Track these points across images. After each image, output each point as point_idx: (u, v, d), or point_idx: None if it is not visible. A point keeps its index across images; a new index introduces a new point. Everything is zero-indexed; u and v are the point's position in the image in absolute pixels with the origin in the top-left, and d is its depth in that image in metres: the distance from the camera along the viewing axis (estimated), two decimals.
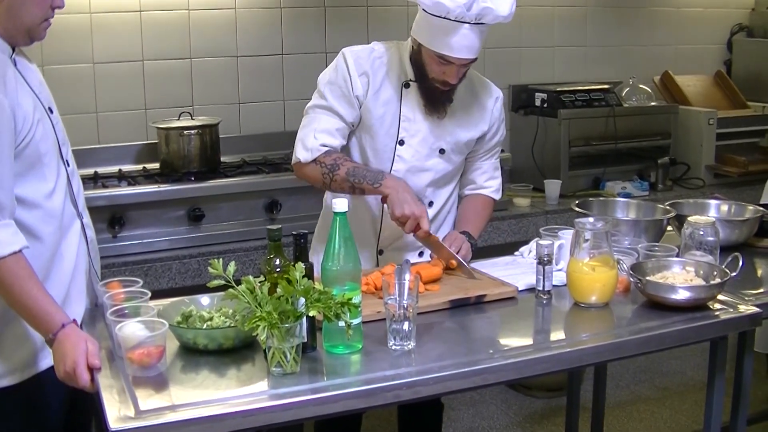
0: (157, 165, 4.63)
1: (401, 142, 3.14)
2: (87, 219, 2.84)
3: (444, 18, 2.86)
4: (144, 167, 4.67)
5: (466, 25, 2.86)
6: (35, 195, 2.55)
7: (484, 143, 3.30)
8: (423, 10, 2.92)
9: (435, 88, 3.05)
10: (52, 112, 2.69)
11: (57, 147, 2.66)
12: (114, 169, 4.61)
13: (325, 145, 3.07)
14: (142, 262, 4.10)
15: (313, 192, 3.98)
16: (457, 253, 3.03)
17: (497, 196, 3.42)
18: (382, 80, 3.11)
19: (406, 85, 3.12)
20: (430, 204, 3.25)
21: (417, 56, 3.04)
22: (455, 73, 2.98)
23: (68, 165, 2.74)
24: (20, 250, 2.41)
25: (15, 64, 2.58)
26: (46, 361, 2.59)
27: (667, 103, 6.11)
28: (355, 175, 3.01)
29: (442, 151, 3.18)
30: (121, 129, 4.75)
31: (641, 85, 6.06)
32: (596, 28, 6.17)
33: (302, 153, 3.09)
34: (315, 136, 3.08)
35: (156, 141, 4.62)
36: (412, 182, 3.16)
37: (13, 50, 2.59)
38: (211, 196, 4.35)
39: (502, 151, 3.46)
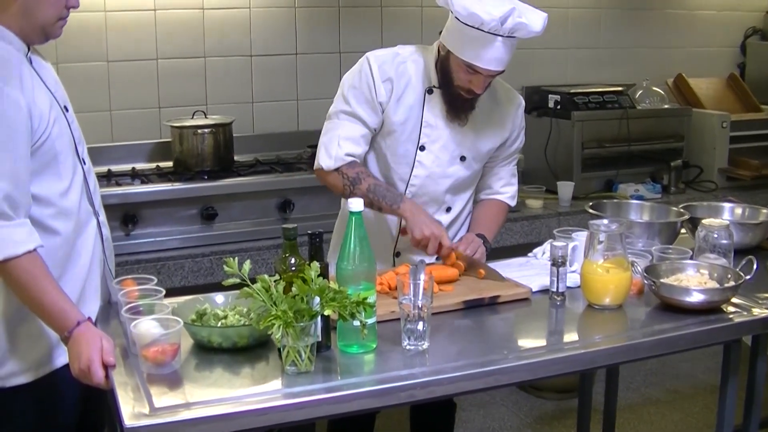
0: (170, 163, 4.64)
1: (422, 148, 3.14)
2: (103, 217, 2.84)
3: (477, 29, 2.85)
4: (157, 165, 4.68)
5: (499, 38, 2.86)
6: (51, 193, 2.56)
7: (503, 150, 3.30)
8: (456, 18, 2.91)
9: (459, 95, 3.05)
10: (67, 110, 2.69)
11: (73, 145, 2.67)
12: (127, 167, 4.63)
13: (349, 155, 3.07)
14: (155, 260, 4.11)
15: (326, 192, 3.98)
16: (473, 255, 3.04)
17: (512, 203, 3.42)
18: (406, 86, 3.10)
19: (430, 91, 3.11)
20: (448, 209, 3.25)
21: (444, 62, 3.04)
22: (482, 83, 2.98)
23: (84, 163, 2.74)
24: (35, 249, 2.42)
25: (31, 63, 2.59)
26: (61, 359, 2.60)
27: (680, 105, 6.10)
28: (375, 193, 3.03)
29: (462, 158, 3.18)
30: (135, 127, 4.77)
31: (654, 88, 6.05)
32: (610, 30, 6.17)
33: (325, 160, 3.09)
34: (339, 144, 3.07)
35: (170, 139, 4.63)
36: (432, 188, 3.17)
37: (29, 49, 2.60)
38: (224, 195, 4.35)
39: None
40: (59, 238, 2.59)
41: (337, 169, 3.08)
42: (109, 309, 2.77)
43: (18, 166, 2.42)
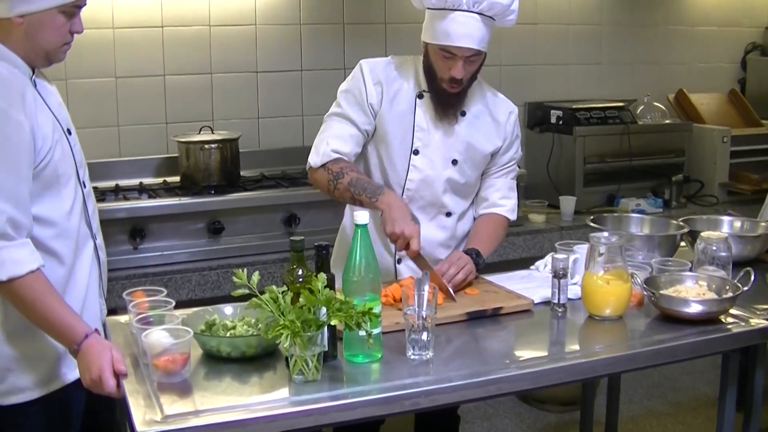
0: (177, 178, 4.70)
1: (416, 152, 3.20)
2: (100, 240, 2.86)
3: (443, 9, 2.97)
4: (164, 180, 4.74)
5: (464, 12, 2.95)
6: (52, 214, 2.58)
7: (497, 158, 3.33)
8: (428, 8, 3.04)
9: (444, 91, 3.11)
10: (70, 133, 2.72)
11: (74, 168, 2.69)
12: (135, 182, 4.68)
13: (336, 151, 3.13)
14: (162, 274, 4.16)
15: (331, 206, 4.03)
16: (456, 273, 3.02)
17: (512, 216, 3.40)
18: (397, 91, 3.19)
19: (420, 96, 3.19)
20: (448, 214, 3.29)
21: (426, 59, 3.13)
22: (460, 67, 3.03)
23: (84, 186, 2.76)
24: (38, 269, 2.44)
25: (35, 86, 2.61)
26: (72, 374, 2.63)
27: (681, 120, 6.15)
28: (356, 186, 3.04)
29: (454, 162, 3.23)
30: (143, 142, 4.83)
31: (656, 103, 6.09)
32: (611, 46, 6.22)
33: (313, 157, 3.16)
34: (327, 142, 3.14)
35: (177, 155, 4.69)
36: (428, 192, 3.22)
37: (33, 71, 2.63)
38: (231, 209, 4.41)
39: (518, 167, 3.50)
40: (59, 260, 2.62)
41: (323, 165, 3.13)
42: (115, 323, 2.82)
43: (20, 186, 2.44)
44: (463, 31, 2.97)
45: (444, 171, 3.22)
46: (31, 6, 2.50)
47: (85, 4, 2.62)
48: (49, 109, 2.62)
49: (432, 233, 3.22)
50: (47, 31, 2.55)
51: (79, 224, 2.70)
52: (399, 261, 3.28)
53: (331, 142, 3.14)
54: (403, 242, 2.92)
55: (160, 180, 4.76)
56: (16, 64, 2.56)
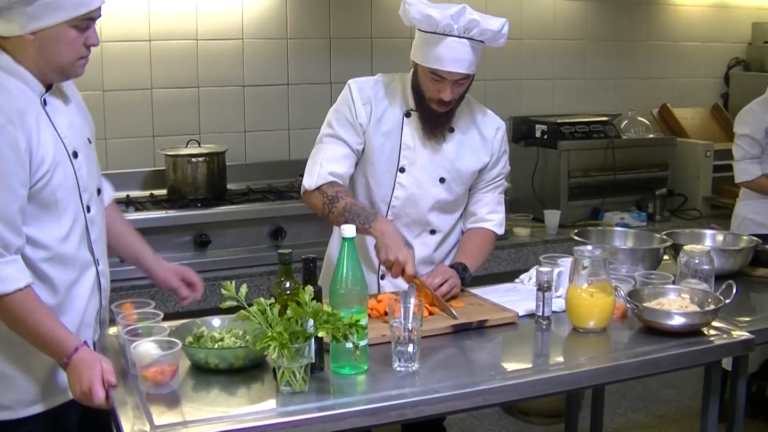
0: (164, 191, 4.71)
1: (402, 170, 3.23)
2: (103, 267, 2.79)
3: (434, 33, 2.99)
4: (151, 193, 4.75)
5: (455, 38, 2.98)
6: (45, 237, 2.55)
7: (485, 174, 3.35)
8: (418, 30, 3.06)
9: (433, 111, 3.14)
10: (76, 156, 2.64)
11: (77, 193, 2.63)
12: (122, 194, 4.65)
13: (332, 174, 3.15)
14: (149, 286, 4.14)
15: (317, 219, 4.05)
16: (442, 284, 3.03)
17: (499, 231, 3.41)
18: (385, 110, 3.22)
19: (407, 115, 3.21)
20: (433, 232, 3.32)
21: (415, 79, 3.15)
22: (449, 90, 3.06)
23: (89, 211, 2.69)
24: (25, 287, 2.42)
25: (45, 104, 2.56)
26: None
27: (665, 135, 6.20)
28: (350, 212, 3.06)
29: (442, 180, 3.25)
30: (130, 155, 4.85)
31: (640, 118, 6.14)
32: (596, 61, 6.27)
33: (308, 180, 3.18)
34: (321, 164, 3.16)
35: (164, 168, 4.70)
36: (413, 209, 3.25)
37: (48, 89, 2.58)
38: (218, 222, 4.43)
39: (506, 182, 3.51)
40: (50, 285, 2.58)
41: (318, 188, 3.15)
42: (104, 338, 2.81)
43: (11, 203, 2.41)
44: (454, 56, 3.00)
45: (431, 189, 3.25)
46: (40, 23, 2.46)
47: (99, 16, 2.57)
48: (55, 130, 2.57)
49: (415, 251, 3.22)
50: (60, 46, 2.50)
51: (78, 250, 2.65)
52: (382, 277, 3.30)
53: (326, 164, 3.16)
54: (398, 268, 2.95)
55: (147, 193, 4.77)
56: (27, 81, 2.51)
